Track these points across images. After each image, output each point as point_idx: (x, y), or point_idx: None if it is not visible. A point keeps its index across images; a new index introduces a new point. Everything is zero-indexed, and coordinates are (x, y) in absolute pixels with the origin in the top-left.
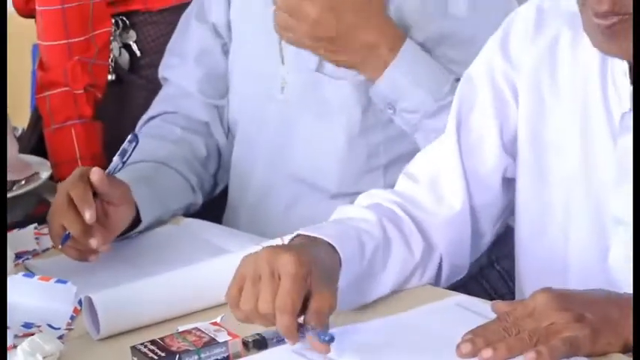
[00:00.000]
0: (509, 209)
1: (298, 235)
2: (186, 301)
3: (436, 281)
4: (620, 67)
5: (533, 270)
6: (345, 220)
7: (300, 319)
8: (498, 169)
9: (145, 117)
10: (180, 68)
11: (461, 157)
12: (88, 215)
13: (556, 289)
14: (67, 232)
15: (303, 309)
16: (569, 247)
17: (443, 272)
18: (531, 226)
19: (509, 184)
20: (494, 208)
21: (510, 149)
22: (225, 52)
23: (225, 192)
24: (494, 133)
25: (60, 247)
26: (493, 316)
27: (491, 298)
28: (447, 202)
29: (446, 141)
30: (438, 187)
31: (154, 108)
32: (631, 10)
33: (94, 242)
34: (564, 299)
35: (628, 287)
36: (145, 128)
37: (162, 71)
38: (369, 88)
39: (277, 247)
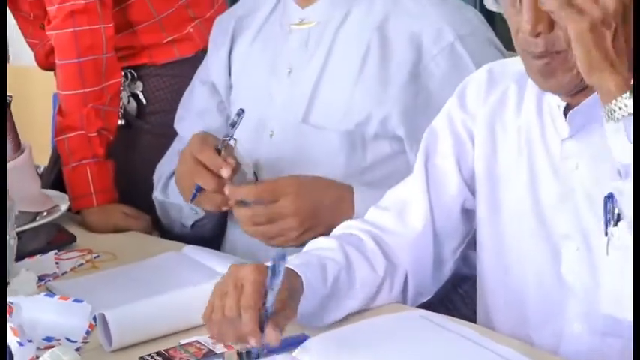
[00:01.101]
0: (467, 239)
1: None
2: (188, 317)
3: (403, 301)
4: (554, 101)
5: (494, 293)
6: (311, 250)
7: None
8: (458, 200)
9: (169, 171)
10: (186, 122)
11: (427, 189)
12: (225, 172)
13: None
14: (195, 191)
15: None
16: (525, 269)
17: (409, 291)
18: (490, 254)
19: (468, 215)
20: (456, 234)
21: (470, 185)
22: (221, 110)
23: (225, 223)
24: (454, 170)
25: (190, 202)
26: (455, 329)
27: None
28: (411, 225)
29: (414, 178)
30: (404, 213)
31: (173, 160)
32: (563, 47)
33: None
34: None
35: (583, 292)
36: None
37: (175, 124)
38: (351, 138)
39: (241, 264)
